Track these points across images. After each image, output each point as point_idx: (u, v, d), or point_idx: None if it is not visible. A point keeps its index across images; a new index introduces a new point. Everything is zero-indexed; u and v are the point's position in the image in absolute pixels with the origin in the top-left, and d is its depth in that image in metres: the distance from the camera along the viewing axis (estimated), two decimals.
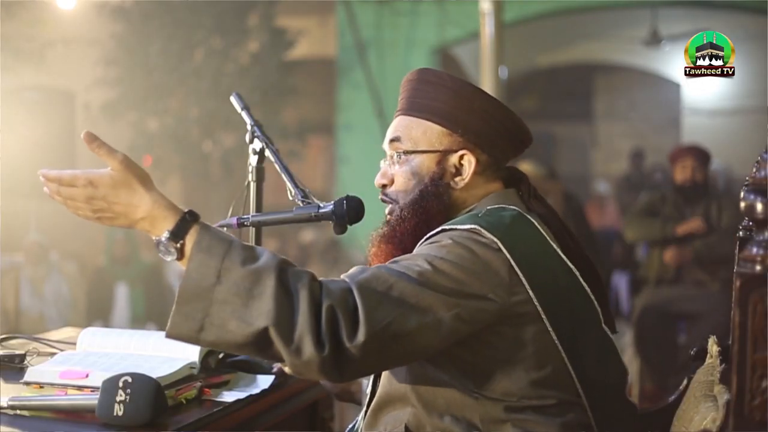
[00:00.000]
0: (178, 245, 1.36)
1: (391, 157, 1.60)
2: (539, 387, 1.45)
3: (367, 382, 1.74)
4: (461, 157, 1.56)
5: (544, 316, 1.43)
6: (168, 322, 1.35)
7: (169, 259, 1.38)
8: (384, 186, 1.61)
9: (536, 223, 1.51)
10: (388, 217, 1.59)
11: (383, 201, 1.62)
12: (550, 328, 1.44)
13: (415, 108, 1.59)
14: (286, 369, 1.35)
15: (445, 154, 1.56)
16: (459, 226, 1.45)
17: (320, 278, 1.35)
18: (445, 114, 1.56)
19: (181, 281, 1.34)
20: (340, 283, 1.34)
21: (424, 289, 1.35)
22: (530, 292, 1.42)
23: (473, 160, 1.55)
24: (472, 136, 1.56)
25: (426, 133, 1.57)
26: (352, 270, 1.40)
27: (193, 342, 1.35)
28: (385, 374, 1.55)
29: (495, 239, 1.41)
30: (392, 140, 1.60)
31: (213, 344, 1.35)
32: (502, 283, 1.40)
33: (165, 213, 1.38)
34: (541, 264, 1.46)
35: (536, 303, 1.42)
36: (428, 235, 1.48)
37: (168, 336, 1.37)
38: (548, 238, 1.51)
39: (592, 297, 1.52)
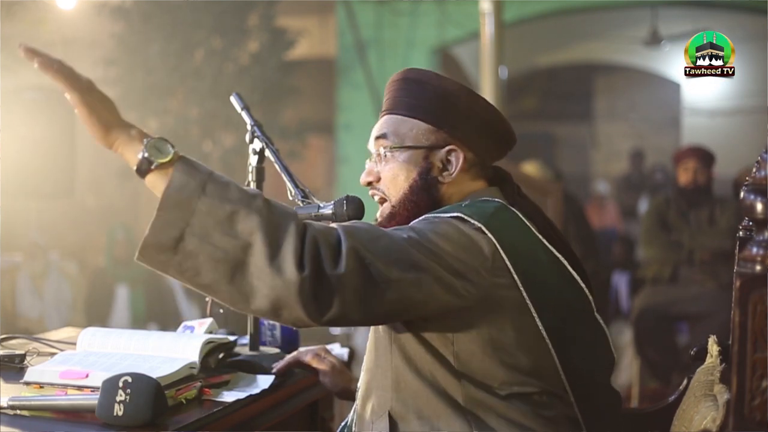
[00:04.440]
0: (173, 148, 1.32)
1: (378, 154, 1.59)
2: (521, 374, 1.44)
3: None
4: (449, 152, 1.55)
5: (528, 302, 1.43)
6: (146, 234, 1.29)
7: (157, 161, 1.30)
8: (370, 183, 1.61)
9: (520, 215, 1.51)
10: (379, 219, 1.59)
11: (374, 195, 1.61)
12: (535, 315, 1.44)
13: (400, 106, 1.58)
14: (258, 305, 1.28)
15: (431, 149, 1.55)
16: (443, 215, 1.45)
17: None
18: (431, 111, 1.56)
19: (164, 189, 1.29)
20: (325, 225, 1.34)
21: (410, 248, 1.35)
22: (515, 276, 1.42)
23: (461, 156, 1.55)
24: (459, 133, 1.56)
25: (412, 129, 1.56)
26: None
27: (168, 254, 1.28)
28: (369, 357, 1.55)
29: (479, 224, 1.42)
30: (378, 137, 1.59)
31: (190, 257, 1.28)
32: (484, 264, 1.40)
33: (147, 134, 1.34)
34: (525, 251, 1.46)
35: (521, 288, 1.42)
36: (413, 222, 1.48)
37: (144, 246, 1.29)
38: (533, 229, 1.51)
39: (582, 285, 1.51)
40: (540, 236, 1.50)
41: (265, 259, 1.26)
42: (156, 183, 1.32)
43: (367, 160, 1.63)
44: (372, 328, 1.54)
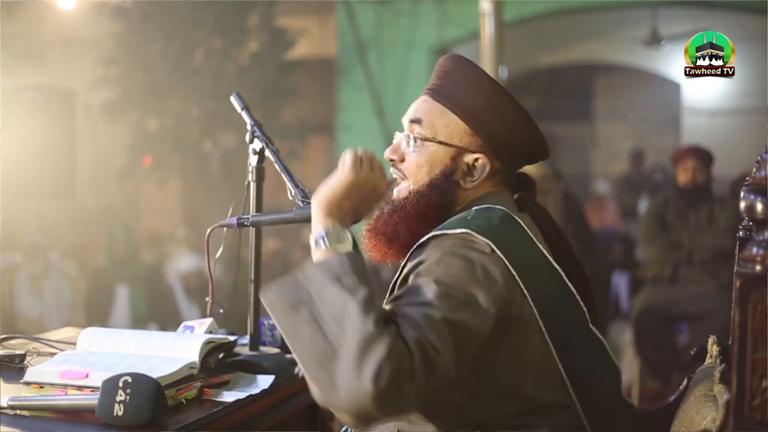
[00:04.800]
0: (350, 248, 1.42)
1: (407, 136, 1.57)
2: (532, 389, 1.44)
3: None
4: (476, 159, 1.54)
5: (538, 317, 1.43)
6: (277, 282, 1.38)
7: (330, 245, 1.42)
8: (393, 161, 1.59)
9: (523, 225, 1.50)
10: (394, 196, 1.57)
11: (395, 174, 1.59)
12: (542, 326, 1.44)
13: (444, 95, 1.56)
14: (332, 396, 1.31)
15: (461, 151, 1.54)
16: (449, 231, 1.44)
17: None
18: (473, 113, 1.53)
19: (319, 261, 1.38)
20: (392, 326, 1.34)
21: (444, 313, 1.34)
22: (525, 291, 1.42)
23: (488, 166, 1.54)
24: (493, 143, 1.54)
25: (449, 125, 1.54)
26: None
27: (281, 308, 1.36)
28: None
29: (487, 241, 1.41)
30: (413, 121, 1.57)
31: (297, 324, 1.34)
32: (500, 289, 1.40)
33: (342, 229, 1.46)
34: (531, 264, 1.46)
35: (531, 303, 1.42)
36: (420, 242, 1.46)
37: (271, 286, 1.38)
38: (534, 239, 1.50)
39: (578, 298, 1.52)
40: (540, 246, 1.50)
41: (353, 359, 1.27)
42: (317, 252, 1.42)
43: (396, 133, 1.61)
44: None
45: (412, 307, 1.35)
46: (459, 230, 1.43)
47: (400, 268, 1.49)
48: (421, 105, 1.58)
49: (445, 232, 1.44)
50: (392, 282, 1.50)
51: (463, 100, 1.54)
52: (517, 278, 1.41)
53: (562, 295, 1.50)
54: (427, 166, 1.54)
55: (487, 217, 1.47)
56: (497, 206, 1.51)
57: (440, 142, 1.54)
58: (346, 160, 1.47)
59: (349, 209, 1.47)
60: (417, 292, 1.38)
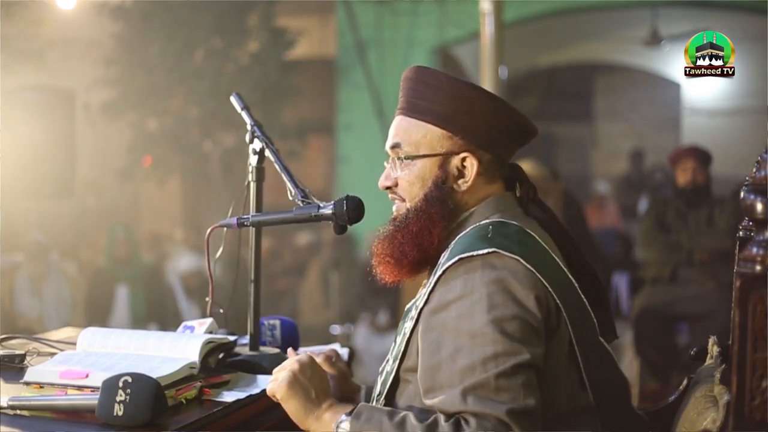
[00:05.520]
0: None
1: (393, 160, 1.59)
2: (558, 396, 1.44)
3: (363, 393, 1.75)
4: (463, 159, 1.54)
5: (569, 326, 1.44)
6: None
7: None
8: (388, 188, 1.61)
9: (538, 238, 1.51)
10: (395, 214, 1.58)
11: (394, 200, 1.61)
12: (572, 334, 1.45)
13: (414, 109, 1.57)
14: None
15: (447, 157, 1.54)
16: (477, 252, 1.44)
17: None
18: (445, 117, 1.54)
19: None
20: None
21: (515, 365, 1.36)
22: (558, 301, 1.43)
23: (475, 162, 1.54)
24: (474, 138, 1.54)
25: (426, 136, 1.55)
26: (440, 397, 1.39)
27: None
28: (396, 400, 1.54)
29: (517, 258, 1.42)
30: (393, 146, 1.59)
31: None
32: (540, 304, 1.41)
33: (345, 405, 1.51)
34: (554, 276, 1.46)
35: (564, 314, 1.44)
36: (448, 266, 1.45)
37: None
38: (549, 250, 1.51)
39: (589, 309, 1.52)
40: (556, 258, 1.50)
41: None
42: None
43: (385, 162, 1.63)
44: (404, 379, 1.53)
45: (481, 372, 1.35)
46: (486, 250, 1.43)
47: (426, 292, 1.48)
48: (396, 127, 1.60)
49: (471, 254, 1.44)
50: (420, 303, 1.49)
51: (431, 106, 1.55)
52: (550, 289, 1.42)
53: (579, 307, 1.50)
54: (419, 182, 1.55)
55: (505, 234, 1.47)
56: (511, 221, 1.51)
57: (424, 155, 1.55)
58: (280, 386, 1.52)
59: (316, 393, 1.52)
60: (472, 347, 1.37)
